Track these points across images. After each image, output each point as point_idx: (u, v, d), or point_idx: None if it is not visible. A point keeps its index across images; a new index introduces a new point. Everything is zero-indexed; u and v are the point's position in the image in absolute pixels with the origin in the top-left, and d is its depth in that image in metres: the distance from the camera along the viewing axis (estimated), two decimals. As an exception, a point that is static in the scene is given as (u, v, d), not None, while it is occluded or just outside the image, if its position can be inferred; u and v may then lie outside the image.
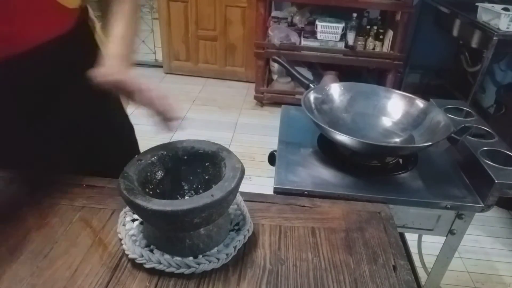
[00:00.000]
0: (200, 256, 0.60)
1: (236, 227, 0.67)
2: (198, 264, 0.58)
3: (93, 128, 0.82)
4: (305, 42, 2.73)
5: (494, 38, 1.99)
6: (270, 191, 0.83)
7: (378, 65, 2.78)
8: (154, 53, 3.52)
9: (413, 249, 1.08)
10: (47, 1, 0.65)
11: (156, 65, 3.50)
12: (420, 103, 0.97)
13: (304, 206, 0.77)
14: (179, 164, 0.67)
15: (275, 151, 0.98)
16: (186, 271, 0.58)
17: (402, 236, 1.03)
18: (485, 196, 0.78)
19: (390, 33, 2.70)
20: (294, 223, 0.73)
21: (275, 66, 3.00)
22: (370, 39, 2.74)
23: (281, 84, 2.95)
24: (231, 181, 0.58)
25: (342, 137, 0.81)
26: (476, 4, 2.28)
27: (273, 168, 0.90)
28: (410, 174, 0.87)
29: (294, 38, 2.75)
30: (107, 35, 0.70)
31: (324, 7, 2.83)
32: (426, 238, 0.95)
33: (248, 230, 0.66)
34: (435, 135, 0.85)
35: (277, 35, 2.71)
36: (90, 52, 0.74)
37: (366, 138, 0.94)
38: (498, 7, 2.15)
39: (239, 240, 0.63)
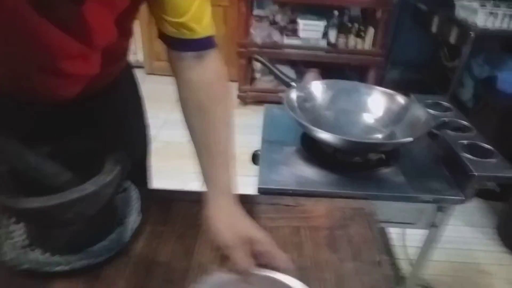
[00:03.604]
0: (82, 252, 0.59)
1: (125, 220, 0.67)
2: (80, 260, 0.58)
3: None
4: (287, 40, 2.73)
5: (471, 34, 2.03)
6: (255, 190, 0.82)
7: (359, 62, 2.80)
8: (135, 53, 3.47)
9: (397, 242, 1.09)
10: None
11: (137, 66, 3.45)
12: (400, 99, 0.98)
13: (288, 205, 0.77)
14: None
15: (258, 150, 0.97)
16: (64, 268, 0.57)
17: (383, 230, 1.04)
18: (464, 189, 0.80)
19: (371, 31, 2.73)
20: (279, 222, 0.73)
21: (257, 65, 2.99)
22: (352, 36, 2.76)
23: (264, 82, 2.95)
24: (108, 175, 0.58)
25: (324, 135, 0.81)
26: (454, 1, 2.32)
27: (257, 167, 0.90)
28: (392, 169, 0.88)
29: (276, 36, 2.75)
30: (205, 143, 0.65)
31: (305, 5, 2.84)
32: (409, 230, 0.96)
33: (134, 222, 0.66)
34: (416, 131, 0.86)
35: (259, 33, 2.70)
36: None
37: (348, 135, 0.94)
38: (475, 4, 2.19)
39: (124, 234, 0.64)
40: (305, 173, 0.86)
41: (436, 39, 2.71)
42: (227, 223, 0.57)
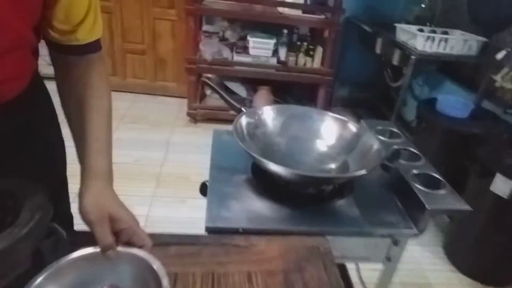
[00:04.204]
0: None
1: None
2: None
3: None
4: (237, 58, 2.70)
5: (412, 57, 2.13)
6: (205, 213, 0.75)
7: (309, 80, 2.84)
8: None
9: (354, 277, 1.07)
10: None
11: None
12: (352, 126, 0.96)
13: (239, 246, 0.71)
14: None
15: (207, 181, 0.90)
16: None
17: (343, 266, 1.01)
18: (418, 222, 0.79)
19: (319, 49, 2.79)
20: (229, 268, 0.66)
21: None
22: (301, 54, 2.79)
23: (215, 99, 2.88)
24: (23, 227, 0.50)
25: (275, 168, 0.76)
26: (395, 24, 2.43)
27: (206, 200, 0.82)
28: (346, 201, 0.85)
29: (226, 53, 2.71)
30: (81, 132, 0.65)
31: (255, 23, 2.84)
32: (364, 265, 0.94)
33: None
34: (368, 161, 0.84)
35: (208, 50, 2.64)
36: (46, 109, 0.76)
37: (301, 165, 0.91)
38: (414, 28, 2.31)
39: None
40: (256, 207, 0.80)
41: (381, 59, 2.83)
42: (94, 201, 0.58)
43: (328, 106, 3.20)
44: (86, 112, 0.66)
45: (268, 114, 1.00)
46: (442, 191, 0.80)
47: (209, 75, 2.89)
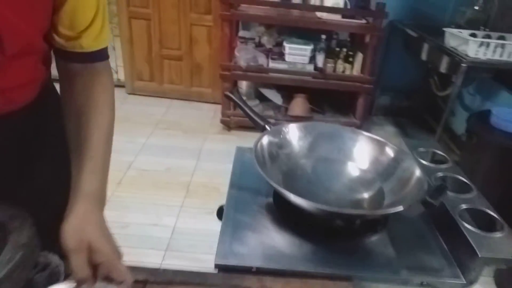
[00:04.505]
0: None
1: None
2: None
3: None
4: (272, 64, 2.62)
5: (462, 65, 1.94)
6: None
7: (348, 88, 2.70)
8: (116, 72, 3.33)
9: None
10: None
11: (118, 85, 3.30)
12: (391, 150, 0.84)
13: (250, 289, 0.62)
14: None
15: (224, 205, 0.82)
16: None
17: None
18: (467, 270, 0.66)
19: (359, 56, 2.64)
20: (236, 317, 0.57)
21: (243, 88, 2.87)
22: (340, 61, 2.66)
23: (249, 106, 2.81)
24: (3, 267, 0.45)
25: (297, 200, 0.66)
26: (443, 28, 2.24)
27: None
28: (380, 237, 0.74)
29: (262, 59, 2.64)
30: (77, 149, 0.61)
31: (292, 28, 2.74)
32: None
33: None
34: (407, 193, 0.72)
35: (243, 56, 2.58)
36: (56, 122, 0.69)
37: (328, 193, 0.81)
38: (465, 33, 2.11)
39: None
40: (274, 241, 0.71)
41: (427, 66, 2.63)
42: (76, 227, 0.53)
43: (368, 115, 3.03)
44: (84, 128, 0.62)
45: (294, 133, 0.91)
46: (498, 234, 0.67)
47: (241, 85, 2.83)
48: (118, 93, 3.21)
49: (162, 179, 2.15)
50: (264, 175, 0.69)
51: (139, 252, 1.60)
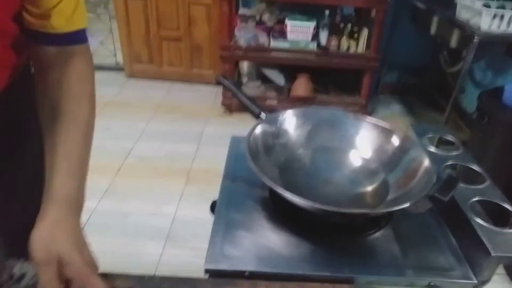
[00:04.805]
0: None
1: None
2: None
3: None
4: (274, 43, 2.52)
5: (475, 39, 1.83)
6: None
7: (353, 66, 2.60)
8: (115, 55, 3.25)
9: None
10: None
11: (118, 69, 3.23)
12: (397, 137, 0.77)
13: (243, 295, 0.57)
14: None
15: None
16: None
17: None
18: (479, 269, 0.60)
19: (365, 32, 2.52)
20: (226, 328, 0.53)
21: (244, 68, 2.78)
22: (344, 38, 2.55)
23: (251, 88, 2.74)
24: None
25: (292, 198, 0.61)
26: (455, 1, 2.11)
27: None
28: (383, 233, 0.68)
29: (263, 38, 2.54)
30: (52, 146, 0.55)
31: (294, 4, 2.63)
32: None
33: None
34: (413, 186, 0.66)
35: (243, 36, 2.49)
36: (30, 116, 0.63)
37: (328, 185, 0.75)
38: (478, 4, 1.98)
39: None
40: (269, 241, 0.66)
41: (435, 41, 2.51)
42: (45, 236, 0.47)
43: (374, 93, 2.94)
44: (59, 123, 0.56)
45: (292, 120, 0.84)
46: (514, 230, 0.61)
47: (242, 66, 2.74)
48: (118, 76, 3.14)
49: (162, 165, 2.11)
50: (258, 171, 0.64)
51: (139, 242, 1.57)
